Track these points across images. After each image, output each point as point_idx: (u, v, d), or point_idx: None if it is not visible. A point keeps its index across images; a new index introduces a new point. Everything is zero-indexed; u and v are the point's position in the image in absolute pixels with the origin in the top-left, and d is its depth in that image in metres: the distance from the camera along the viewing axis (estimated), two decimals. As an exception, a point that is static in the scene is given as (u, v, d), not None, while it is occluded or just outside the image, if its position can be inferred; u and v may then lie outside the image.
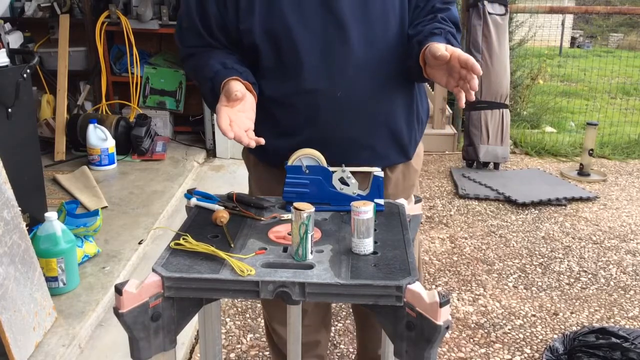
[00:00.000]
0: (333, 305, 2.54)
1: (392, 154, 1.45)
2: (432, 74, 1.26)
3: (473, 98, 1.19)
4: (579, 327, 2.43)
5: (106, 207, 3.09)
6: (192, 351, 2.22)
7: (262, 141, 1.19)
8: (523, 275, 2.90)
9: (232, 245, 1.10)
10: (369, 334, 1.81)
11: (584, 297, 2.71)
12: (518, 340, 2.36)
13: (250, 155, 1.57)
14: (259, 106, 1.36)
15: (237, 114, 1.21)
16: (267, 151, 1.44)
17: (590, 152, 4.41)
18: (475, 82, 1.16)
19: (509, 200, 3.85)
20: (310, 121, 1.36)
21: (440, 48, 1.18)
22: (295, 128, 1.38)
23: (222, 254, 1.04)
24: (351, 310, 2.53)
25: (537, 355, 2.27)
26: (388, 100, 1.39)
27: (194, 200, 1.31)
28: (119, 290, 0.96)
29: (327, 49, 1.31)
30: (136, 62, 4.31)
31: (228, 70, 1.28)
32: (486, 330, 2.42)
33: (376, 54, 1.34)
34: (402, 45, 1.37)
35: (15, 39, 4.09)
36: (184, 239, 1.09)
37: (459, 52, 1.18)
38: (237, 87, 1.21)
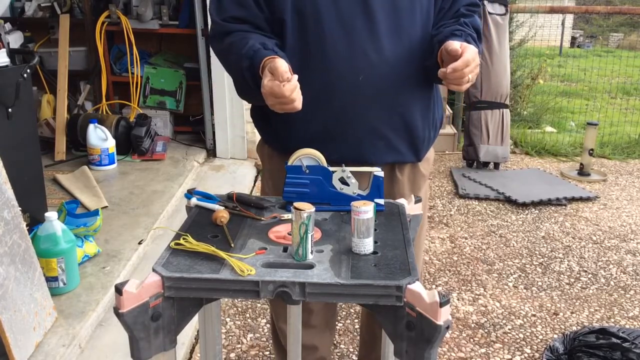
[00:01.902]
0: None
1: (405, 149, 1.46)
2: None
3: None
4: (579, 327, 2.43)
5: (106, 207, 3.09)
6: (192, 351, 2.22)
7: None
8: (523, 275, 2.90)
9: (232, 245, 1.10)
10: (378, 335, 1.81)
11: (584, 297, 2.71)
12: (518, 340, 2.36)
13: (265, 146, 1.57)
14: None
15: None
16: (281, 137, 1.46)
17: (591, 152, 4.41)
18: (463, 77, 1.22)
19: (509, 200, 3.85)
20: (328, 104, 1.36)
21: (454, 43, 1.22)
22: (313, 111, 1.37)
23: (222, 253, 1.04)
24: (352, 310, 2.53)
25: (537, 355, 2.27)
26: (408, 93, 1.40)
27: (194, 200, 1.31)
28: (119, 290, 0.96)
29: (352, 32, 1.33)
30: (136, 62, 4.31)
31: (268, 50, 1.28)
32: (486, 330, 2.42)
33: (401, 45, 1.36)
34: (427, 43, 1.40)
35: (15, 39, 4.09)
36: (184, 239, 1.09)
37: (471, 49, 1.21)
38: (284, 67, 1.19)
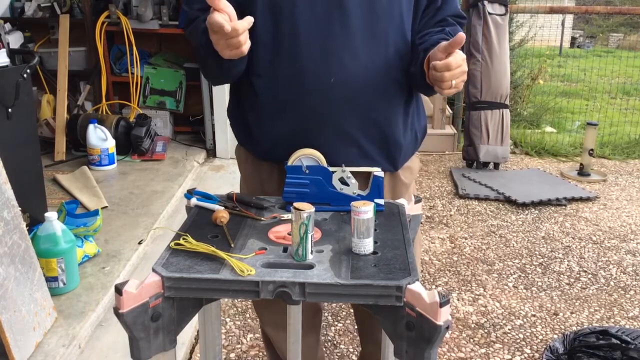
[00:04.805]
0: (333, 305, 2.54)
1: (380, 157, 1.41)
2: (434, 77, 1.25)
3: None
4: (578, 327, 2.43)
5: (106, 207, 3.09)
6: (192, 351, 2.23)
7: None
8: (523, 275, 2.90)
9: (232, 245, 1.10)
10: (370, 334, 1.81)
11: (584, 297, 2.71)
12: (518, 340, 2.36)
13: (241, 148, 1.54)
14: (247, 86, 1.35)
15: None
16: (255, 137, 1.42)
17: (591, 152, 4.42)
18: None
19: (509, 200, 3.85)
20: (299, 104, 1.33)
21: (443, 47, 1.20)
22: (285, 109, 1.34)
23: (222, 254, 1.04)
24: (352, 310, 2.53)
25: (537, 355, 2.27)
26: (383, 99, 1.37)
27: (194, 200, 1.31)
28: (119, 290, 0.96)
29: (326, 31, 1.30)
30: (136, 62, 4.31)
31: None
32: (486, 330, 2.42)
33: (377, 50, 1.33)
34: (405, 46, 1.36)
35: (15, 39, 4.09)
36: (184, 239, 1.09)
37: (459, 54, 1.20)
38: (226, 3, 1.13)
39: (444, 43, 1.20)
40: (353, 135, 1.36)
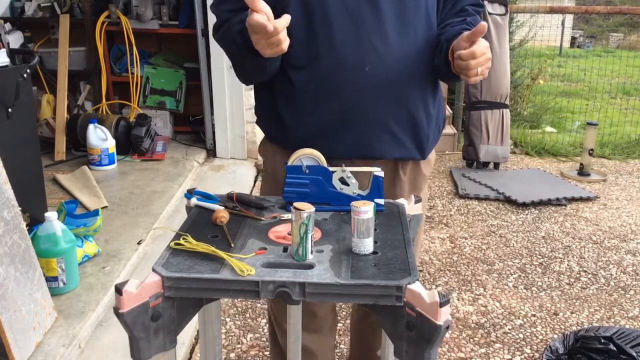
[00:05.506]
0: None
1: (410, 145, 1.45)
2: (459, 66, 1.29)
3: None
4: (579, 327, 2.43)
5: (106, 207, 3.09)
6: (192, 351, 2.22)
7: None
8: (523, 275, 2.90)
9: (232, 245, 1.10)
10: (366, 334, 1.81)
11: (584, 297, 2.71)
12: (518, 340, 2.36)
13: (269, 144, 1.55)
14: (282, 80, 1.36)
15: None
16: (289, 130, 1.44)
17: (591, 152, 4.42)
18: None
19: (509, 200, 3.85)
20: (335, 95, 1.36)
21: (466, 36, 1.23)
22: (320, 101, 1.37)
23: (222, 253, 1.04)
24: (352, 310, 2.53)
25: (537, 355, 2.27)
26: (413, 86, 1.40)
27: (194, 200, 1.31)
28: (119, 290, 0.96)
29: (359, 21, 1.32)
30: (136, 62, 4.31)
31: None
32: (486, 330, 2.42)
33: (406, 36, 1.35)
34: (431, 37, 1.39)
35: (15, 39, 4.09)
36: (184, 238, 1.09)
37: (482, 41, 1.23)
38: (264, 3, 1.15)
39: (467, 32, 1.23)
40: (386, 122, 1.39)
